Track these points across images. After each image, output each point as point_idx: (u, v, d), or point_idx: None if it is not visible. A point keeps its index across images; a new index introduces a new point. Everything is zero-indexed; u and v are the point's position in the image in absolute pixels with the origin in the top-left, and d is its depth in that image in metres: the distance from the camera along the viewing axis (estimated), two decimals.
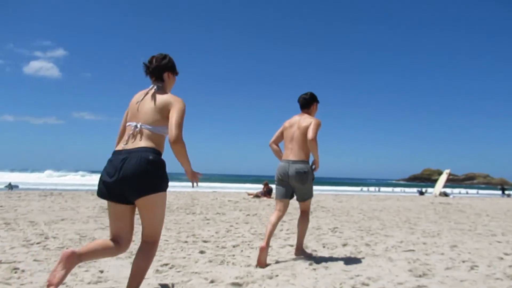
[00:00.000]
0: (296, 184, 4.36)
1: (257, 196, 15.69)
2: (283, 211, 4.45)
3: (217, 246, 5.10)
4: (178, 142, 2.50)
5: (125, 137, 2.62)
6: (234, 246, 5.13)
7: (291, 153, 4.40)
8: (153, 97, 2.68)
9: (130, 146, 2.55)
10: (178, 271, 3.71)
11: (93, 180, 33.66)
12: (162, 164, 2.58)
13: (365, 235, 6.38)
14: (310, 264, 4.08)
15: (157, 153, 2.58)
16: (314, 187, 4.68)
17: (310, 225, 7.48)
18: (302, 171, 4.29)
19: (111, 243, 2.59)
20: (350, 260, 4.39)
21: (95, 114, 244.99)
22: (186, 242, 5.39)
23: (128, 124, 2.69)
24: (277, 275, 3.61)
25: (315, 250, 5.00)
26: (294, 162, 4.33)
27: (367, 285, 3.36)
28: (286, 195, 4.46)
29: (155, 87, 2.75)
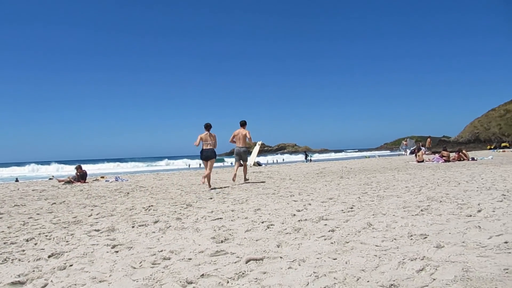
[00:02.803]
0: (242, 155, 11.56)
1: (69, 182, 14.26)
2: (239, 166, 11.68)
3: (5, 243, 4.39)
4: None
5: (205, 145, 10.37)
6: (27, 240, 4.50)
7: (239, 143, 11.41)
8: (210, 135, 10.40)
9: (208, 147, 10.38)
10: None
11: None
12: (215, 152, 10.59)
13: (179, 210, 6.42)
14: (113, 247, 3.85)
15: (214, 149, 10.58)
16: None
17: (123, 206, 7.19)
18: (246, 150, 11.64)
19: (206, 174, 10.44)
20: (157, 237, 4.32)
21: None
22: None
23: (204, 142, 10.37)
24: (71, 265, 3.28)
25: (124, 232, 4.77)
26: (242, 147, 11.45)
27: (169, 259, 3.33)
28: (238, 160, 11.58)
29: (209, 132, 10.42)
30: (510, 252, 2.88)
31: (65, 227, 5.28)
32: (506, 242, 3.15)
